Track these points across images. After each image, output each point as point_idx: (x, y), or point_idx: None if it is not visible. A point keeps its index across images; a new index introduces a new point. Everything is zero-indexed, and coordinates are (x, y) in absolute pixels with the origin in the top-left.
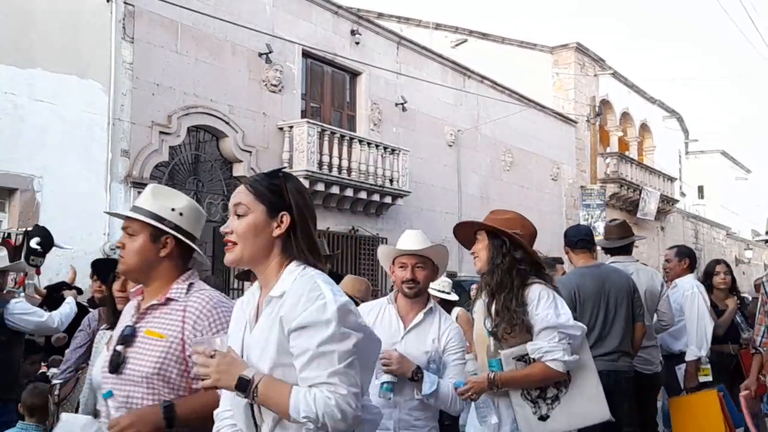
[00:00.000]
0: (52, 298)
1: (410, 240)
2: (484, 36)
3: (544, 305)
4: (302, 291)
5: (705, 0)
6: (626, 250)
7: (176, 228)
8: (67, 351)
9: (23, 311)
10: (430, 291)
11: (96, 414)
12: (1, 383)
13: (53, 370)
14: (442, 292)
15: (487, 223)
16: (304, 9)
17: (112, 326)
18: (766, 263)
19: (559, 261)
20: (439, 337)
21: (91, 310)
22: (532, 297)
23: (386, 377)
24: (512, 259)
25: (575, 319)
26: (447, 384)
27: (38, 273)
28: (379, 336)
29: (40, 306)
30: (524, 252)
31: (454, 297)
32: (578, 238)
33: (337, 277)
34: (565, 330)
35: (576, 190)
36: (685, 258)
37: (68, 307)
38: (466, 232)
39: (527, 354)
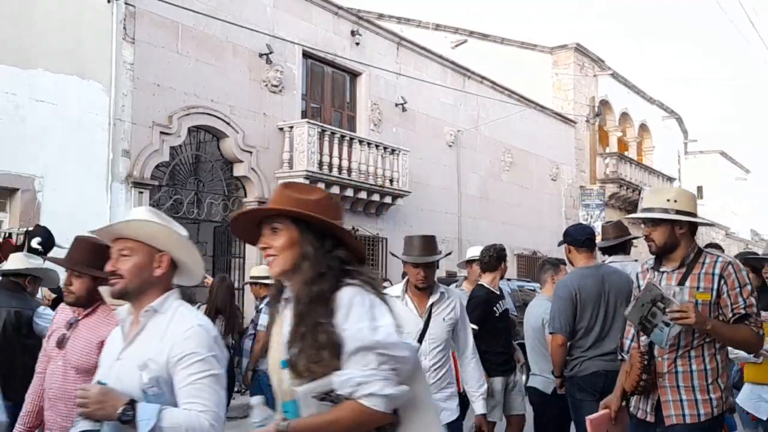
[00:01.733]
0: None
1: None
2: (484, 37)
3: (357, 315)
4: None
5: (706, 1)
6: (623, 249)
7: None
8: None
9: (50, 317)
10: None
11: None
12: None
13: None
14: None
15: (293, 207)
16: (305, 10)
17: None
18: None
19: (563, 262)
20: (164, 346)
21: None
22: (340, 303)
23: (83, 425)
24: (337, 260)
25: (574, 320)
26: (179, 414)
27: None
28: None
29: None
30: (347, 248)
31: None
32: (585, 237)
33: None
34: (386, 350)
35: (575, 191)
36: None
37: None
38: (247, 222)
39: (334, 389)
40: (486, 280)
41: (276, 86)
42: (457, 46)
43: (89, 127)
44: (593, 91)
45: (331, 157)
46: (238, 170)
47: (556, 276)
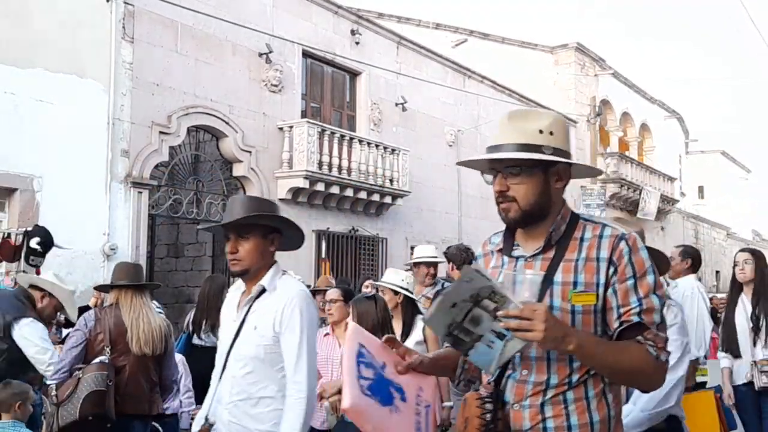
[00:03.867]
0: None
1: None
2: (485, 36)
3: None
4: None
5: (706, 0)
6: None
7: None
8: (62, 350)
9: (30, 334)
10: (386, 286)
11: None
12: None
13: None
14: (402, 288)
15: None
16: (304, 9)
17: None
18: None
19: None
20: None
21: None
22: None
23: None
24: None
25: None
26: None
27: (38, 273)
28: None
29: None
30: None
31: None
32: None
33: None
34: None
35: (576, 190)
36: (688, 258)
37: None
38: None
39: None
40: None
41: (276, 86)
42: (457, 45)
43: (88, 126)
44: (594, 90)
45: (330, 156)
46: (238, 170)
47: None
